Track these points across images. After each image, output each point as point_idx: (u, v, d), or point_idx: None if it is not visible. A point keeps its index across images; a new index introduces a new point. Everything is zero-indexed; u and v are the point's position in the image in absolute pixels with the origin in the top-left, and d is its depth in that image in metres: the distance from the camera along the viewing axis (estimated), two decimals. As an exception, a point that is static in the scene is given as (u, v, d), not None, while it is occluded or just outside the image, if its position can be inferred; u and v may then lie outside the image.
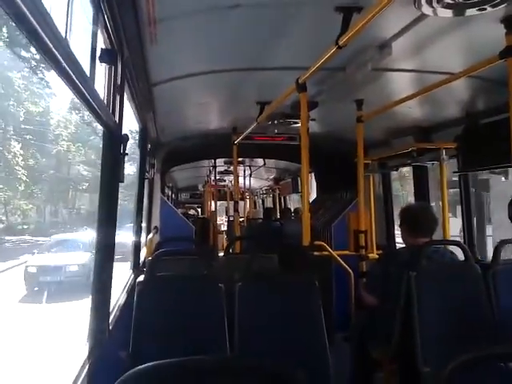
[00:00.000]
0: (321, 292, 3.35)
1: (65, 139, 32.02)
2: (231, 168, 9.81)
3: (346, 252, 5.53)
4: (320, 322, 3.16)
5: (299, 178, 9.25)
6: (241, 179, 11.71)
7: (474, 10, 2.26)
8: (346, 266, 5.42)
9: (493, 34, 2.54)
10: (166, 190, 12.58)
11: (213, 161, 9.14)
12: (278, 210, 12.81)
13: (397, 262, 3.45)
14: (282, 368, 1.06)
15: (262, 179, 13.21)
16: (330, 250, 5.49)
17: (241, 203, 12.23)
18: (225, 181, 12.55)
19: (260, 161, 9.66)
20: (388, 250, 5.48)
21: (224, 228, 13.54)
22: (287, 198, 13.40)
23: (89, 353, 2.29)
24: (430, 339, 2.98)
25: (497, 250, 3.36)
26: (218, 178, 11.44)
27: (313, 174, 8.60)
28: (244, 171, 11.29)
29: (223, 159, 8.92)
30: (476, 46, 2.93)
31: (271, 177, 12.70)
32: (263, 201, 16.64)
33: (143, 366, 1.05)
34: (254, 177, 12.16)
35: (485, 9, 2.25)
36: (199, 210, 16.82)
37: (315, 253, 4.78)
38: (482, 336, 3.00)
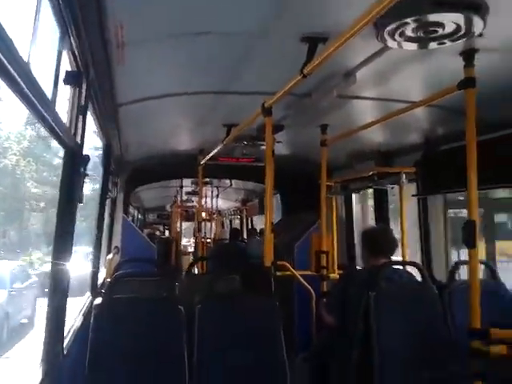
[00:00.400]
0: (282, 312, 3.35)
1: (15, 153, 30.69)
2: (196, 189, 9.79)
3: (308, 272, 5.57)
4: (280, 342, 3.16)
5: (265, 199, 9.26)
6: (208, 200, 11.69)
7: (435, 43, 2.35)
8: (308, 286, 5.46)
9: (452, 65, 2.64)
10: (132, 210, 12.39)
11: (179, 181, 9.07)
12: (244, 231, 12.83)
13: (356, 282, 3.50)
14: None
15: (231, 200, 13.22)
16: (292, 269, 5.52)
17: (209, 224, 12.22)
18: (192, 201, 12.48)
19: (228, 182, 9.65)
20: (348, 270, 5.55)
21: (191, 249, 13.45)
22: (253, 219, 13.40)
23: (43, 377, 2.21)
24: (389, 360, 3.02)
25: (452, 270, 3.46)
26: (185, 198, 11.35)
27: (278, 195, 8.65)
28: (212, 192, 11.25)
29: (190, 179, 8.86)
30: (436, 76, 3.05)
31: (239, 198, 12.71)
32: (231, 222, 16.61)
33: None
34: (223, 198, 12.15)
35: (444, 43, 2.35)
36: (167, 230, 16.62)
37: (278, 273, 4.80)
38: (440, 356, 3.06)
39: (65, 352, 2.59)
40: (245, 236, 11.84)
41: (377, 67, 2.85)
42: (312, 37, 2.48)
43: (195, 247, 7.66)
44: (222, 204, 13.49)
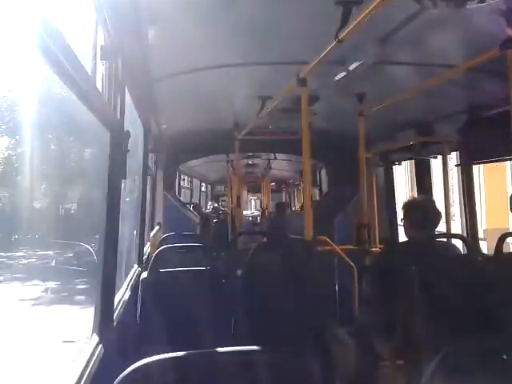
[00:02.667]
0: (324, 287, 3.36)
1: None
2: (251, 162, 9.86)
3: (349, 246, 5.55)
4: (323, 315, 3.18)
5: (318, 172, 9.24)
6: (261, 171, 11.59)
7: (474, 2, 2.25)
8: (349, 261, 5.44)
9: (492, 26, 2.53)
10: (188, 185, 12.60)
11: (225, 156, 9.12)
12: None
13: (400, 255, 3.46)
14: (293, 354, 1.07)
15: (292, 171, 13.16)
16: (332, 244, 5.50)
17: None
18: (252, 173, 12.55)
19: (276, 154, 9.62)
20: (391, 244, 5.49)
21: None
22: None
23: (92, 351, 2.30)
24: (435, 333, 2.98)
25: (499, 242, 3.36)
26: (246, 170, 11.47)
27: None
28: (267, 164, 11.24)
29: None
30: (476, 38, 2.92)
31: (299, 169, 12.71)
32: (294, 193, 16.62)
33: (152, 357, 1.06)
34: (282, 169, 12.10)
35: (484, 1, 2.24)
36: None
37: (318, 247, 4.80)
38: (487, 330, 3.00)
39: (115, 323, 2.69)
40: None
41: (414, 31, 2.76)
42: (346, 0, 2.42)
43: (232, 221, 7.72)
44: (285, 175, 13.43)
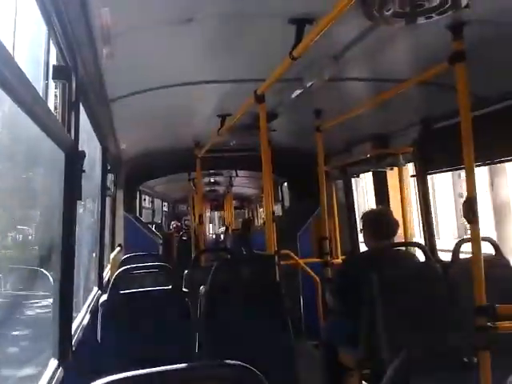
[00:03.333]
0: (288, 300, 3.36)
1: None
2: (214, 179, 9.82)
3: (312, 259, 5.59)
4: (287, 328, 3.18)
5: (279, 187, 9.30)
6: (237, 189, 11.62)
7: (423, 18, 2.34)
8: (312, 273, 5.48)
9: (441, 40, 2.63)
10: (149, 204, 12.40)
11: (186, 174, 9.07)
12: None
13: (360, 265, 3.51)
14: (246, 371, 1.07)
15: (254, 187, 13.18)
16: (295, 257, 5.53)
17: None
18: (215, 191, 12.48)
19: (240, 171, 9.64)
20: (351, 255, 5.57)
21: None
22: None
23: (50, 377, 2.22)
24: (397, 341, 3.02)
25: (455, 249, 3.46)
26: (207, 189, 11.42)
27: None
28: (229, 181, 11.24)
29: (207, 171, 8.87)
30: (426, 52, 3.03)
31: (260, 186, 12.72)
32: (256, 209, 16.62)
33: (110, 377, 1.03)
34: (244, 186, 12.10)
35: (432, 17, 2.33)
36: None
37: (282, 262, 4.81)
38: (445, 334, 3.07)
39: (74, 348, 2.61)
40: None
41: (366, 46, 2.84)
42: (299, 18, 2.47)
43: (196, 239, 7.67)
44: (247, 191, 13.42)
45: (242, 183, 11.53)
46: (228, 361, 1.08)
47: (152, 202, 13.06)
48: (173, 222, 14.08)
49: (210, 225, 16.65)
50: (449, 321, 3.14)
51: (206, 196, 11.65)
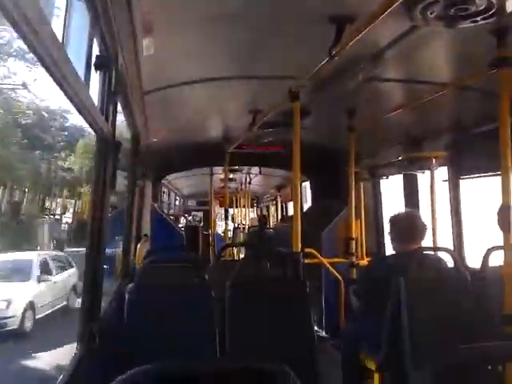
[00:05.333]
0: (311, 298, 3.35)
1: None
2: (232, 176, 9.85)
3: (337, 259, 5.56)
4: (310, 328, 3.17)
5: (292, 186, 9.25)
6: (243, 186, 11.69)
7: (467, 22, 2.30)
8: (336, 273, 5.45)
9: (484, 45, 2.58)
10: (167, 198, 12.52)
11: (209, 169, 9.13)
12: (278, 217, 12.86)
13: (386, 268, 3.47)
14: (271, 367, 1.07)
15: (267, 186, 13.20)
16: (319, 256, 5.51)
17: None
18: (229, 188, 12.56)
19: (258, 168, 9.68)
20: (377, 257, 5.52)
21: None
22: (288, 205, 13.43)
23: (78, 360, 2.27)
24: (420, 346, 2.99)
25: (485, 256, 3.39)
26: (221, 185, 11.42)
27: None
28: (246, 178, 11.27)
29: (221, 167, 8.95)
30: (468, 56, 2.98)
31: (274, 184, 12.72)
32: (267, 208, 16.63)
33: (135, 369, 1.04)
34: (258, 184, 12.14)
35: (477, 21, 2.29)
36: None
37: (305, 260, 4.79)
38: (472, 342, 3.02)
39: (99, 334, 2.65)
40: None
41: (406, 48, 2.80)
42: (339, 17, 2.45)
43: (224, 233, 7.73)
44: (258, 190, 13.45)
45: (256, 181, 11.54)
46: (261, 360, 1.08)
47: (169, 195, 13.14)
48: (182, 218, 14.00)
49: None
50: (476, 328, 3.08)
51: (218, 192, 11.59)
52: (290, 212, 12.37)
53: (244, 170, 9.81)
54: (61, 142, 33.29)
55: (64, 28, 1.60)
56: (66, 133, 33.82)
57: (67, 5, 1.62)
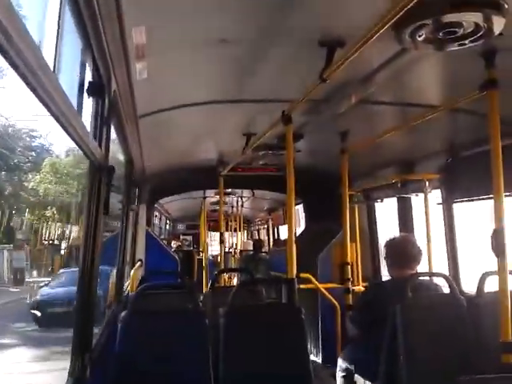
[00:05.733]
0: (307, 326, 3.31)
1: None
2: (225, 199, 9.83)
3: (332, 285, 5.51)
4: (305, 353, 3.12)
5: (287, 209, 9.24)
6: (234, 210, 11.66)
7: (455, 45, 2.33)
8: (332, 299, 5.39)
9: (473, 67, 2.60)
10: (157, 221, 12.46)
11: (202, 192, 9.13)
12: (270, 241, 12.80)
13: (382, 294, 3.44)
14: None
15: (258, 209, 13.17)
16: (315, 282, 5.46)
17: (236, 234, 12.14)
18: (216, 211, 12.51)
19: (251, 191, 9.69)
20: (373, 283, 5.47)
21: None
22: (279, 228, 13.38)
23: None
24: (417, 374, 2.94)
25: (480, 281, 3.37)
26: (212, 208, 11.37)
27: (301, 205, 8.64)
28: (237, 202, 11.25)
29: (214, 190, 8.93)
30: (458, 79, 3.01)
31: (265, 207, 12.69)
32: (258, 231, 16.56)
33: None
34: (249, 207, 12.13)
35: (464, 44, 2.32)
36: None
37: (301, 285, 4.74)
38: (469, 368, 2.97)
39: (91, 364, 2.60)
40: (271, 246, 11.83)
41: (396, 71, 2.83)
42: (330, 41, 2.48)
43: (219, 258, 7.69)
44: (249, 213, 13.41)
45: (246, 205, 11.51)
46: None
47: (160, 218, 13.05)
48: (173, 242, 13.85)
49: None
50: (473, 355, 3.04)
51: (209, 216, 11.52)
52: (282, 235, 12.37)
53: (237, 193, 9.81)
54: (27, 162, 32.69)
55: (55, 55, 1.60)
56: (33, 153, 33.37)
57: (58, 32, 1.62)
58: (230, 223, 13.27)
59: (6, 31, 1.05)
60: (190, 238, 18.12)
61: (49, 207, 32.89)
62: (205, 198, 9.58)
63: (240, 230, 13.19)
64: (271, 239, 13.08)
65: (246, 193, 9.88)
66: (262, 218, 14.52)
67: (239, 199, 10.91)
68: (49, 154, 31.80)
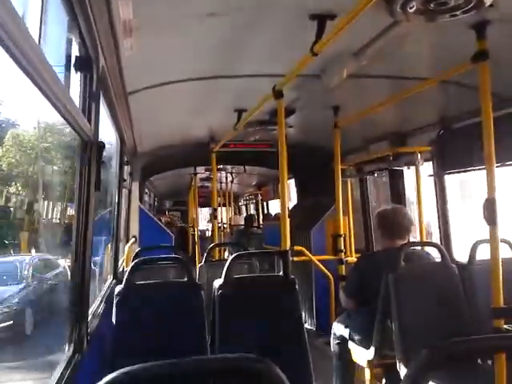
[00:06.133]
0: (302, 296, 3.36)
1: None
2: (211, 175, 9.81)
3: (326, 256, 5.58)
4: (300, 325, 3.18)
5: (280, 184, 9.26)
6: (223, 185, 11.68)
7: (446, 16, 2.31)
8: (326, 270, 5.47)
9: (465, 39, 2.59)
10: (147, 198, 12.46)
11: (193, 168, 9.12)
12: (260, 216, 12.85)
13: (374, 264, 3.49)
14: (261, 364, 1.06)
15: (246, 185, 13.17)
16: (309, 254, 5.53)
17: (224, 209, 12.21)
18: (207, 187, 12.51)
19: (241, 167, 9.69)
20: (366, 253, 5.55)
21: (209, 234, 13.51)
22: (269, 203, 13.43)
23: (67, 362, 2.26)
24: (411, 341, 3.01)
25: (472, 250, 3.42)
26: (200, 184, 11.36)
27: (293, 180, 8.66)
28: (226, 178, 11.25)
29: (204, 167, 8.92)
30: (449, 51, 3.00)
31: (254, 182, 12.70)
32: (246, 206, 16.59)
33: (123, 369, 1.03)
34: (238, 183, 12.12)
35: (456, 15, 2.30)
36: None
37: (295, 258, 4.79)
38: (462, 335, 3.04)
39: (89, 336, 2.64)
40: (261, 221, 11.88)
41: (387, 44, 2.81)
42: (320, 14, 2.45)
43: (212, 233, 7.74)
44: (237, 189, 13.42)
45: (236, 180, 11.48)
46: (246, 354, 1.08)
47: (149, 195, 13.02)
48: (162, 218, 13.82)
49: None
50: (465, 322, 3.11)
51: (198, 192, 11.53)
52: (271, 210, 12.43)
53: (228, 169, 9.80)
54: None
55: (40, 30, 1.58)
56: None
57: (42, 5, 1.59)
58: (218, 198, 13.26)
59: None
60: (177, 213, 18.08)
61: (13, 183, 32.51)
62: (195, 174, 9.56)
63: (230, 206, 13.22)
64: (261, 214, 13.11)
65: (237, 169, 9.88)
66: (250, 192, 14.52)
67: (229, 175, 10.89)
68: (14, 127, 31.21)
